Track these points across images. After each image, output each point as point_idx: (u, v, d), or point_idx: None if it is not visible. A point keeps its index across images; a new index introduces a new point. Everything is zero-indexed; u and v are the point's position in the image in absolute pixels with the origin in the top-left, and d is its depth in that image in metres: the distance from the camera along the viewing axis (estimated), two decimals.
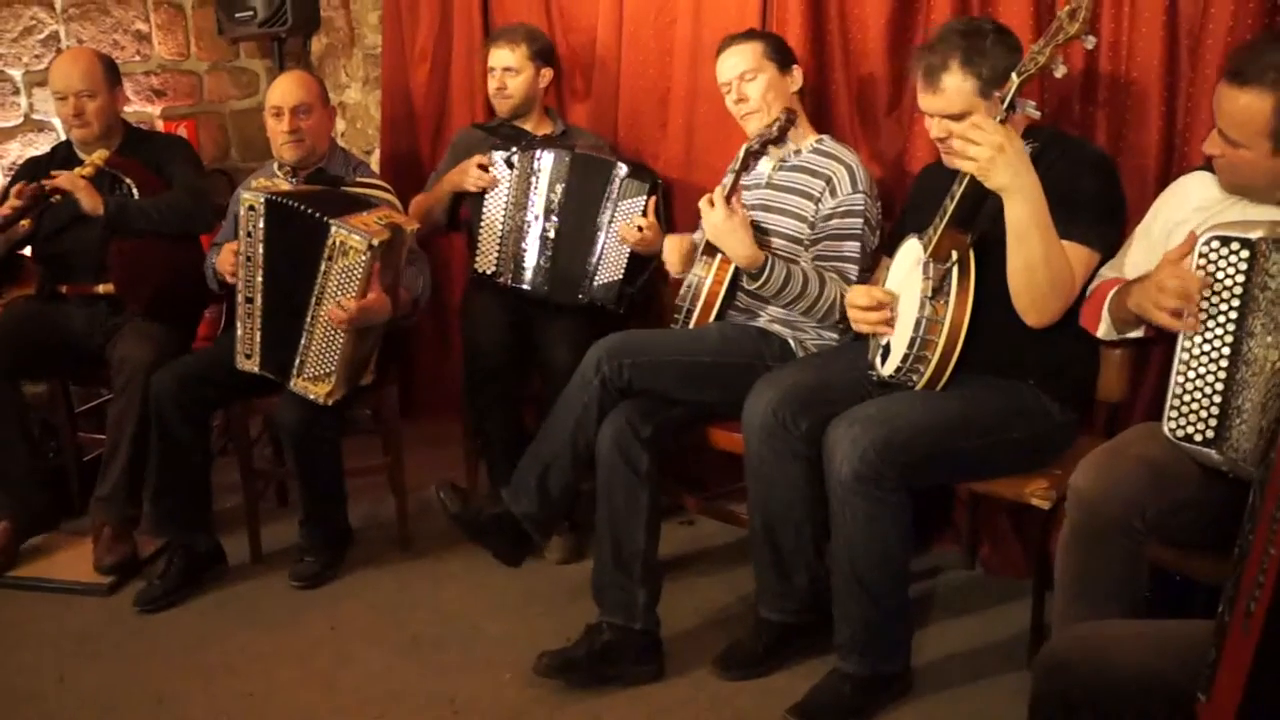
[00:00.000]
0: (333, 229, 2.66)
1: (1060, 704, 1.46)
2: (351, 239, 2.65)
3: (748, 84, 2.69)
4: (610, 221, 3.08)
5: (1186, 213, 2.05)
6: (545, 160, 3.11)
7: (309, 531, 3.00)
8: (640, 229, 2.97)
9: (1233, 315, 1.75)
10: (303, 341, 2.74)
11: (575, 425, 2.57)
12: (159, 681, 2.52)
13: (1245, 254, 1.74)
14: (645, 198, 3.06)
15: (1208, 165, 2.05)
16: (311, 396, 2.77)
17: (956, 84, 2.21)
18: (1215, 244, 1.77)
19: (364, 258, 2.65)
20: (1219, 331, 1.77)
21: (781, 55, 2.72)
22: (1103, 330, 2.09)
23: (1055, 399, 2.26)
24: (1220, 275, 1.76)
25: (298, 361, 2.76)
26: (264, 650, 2.64)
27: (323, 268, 2.69)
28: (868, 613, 2.24)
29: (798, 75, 2.74)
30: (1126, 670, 1.42)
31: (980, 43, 2.20)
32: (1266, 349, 1.71)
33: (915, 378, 2.22)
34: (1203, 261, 1.78)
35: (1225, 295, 1.76)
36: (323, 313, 2.71)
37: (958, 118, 2.22)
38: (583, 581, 2.62)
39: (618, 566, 2.47)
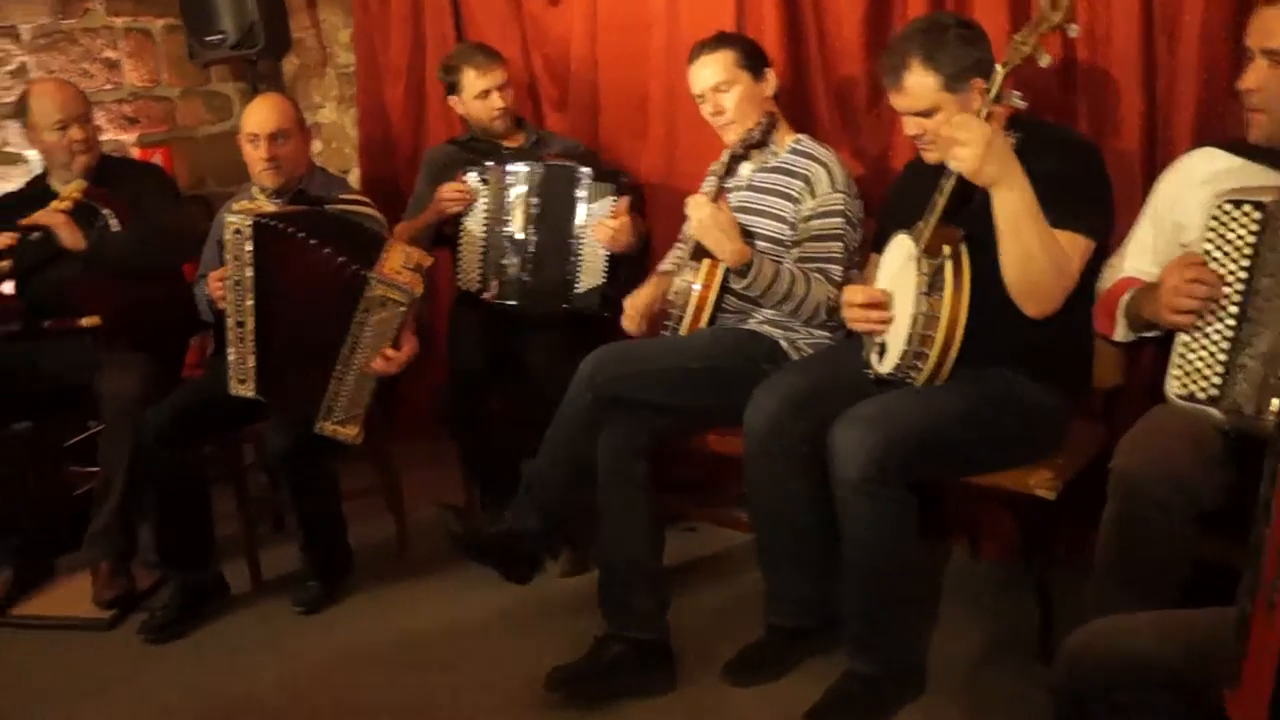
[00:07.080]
0: (372, 282, 2.65)
1: (1073, 698, 1.49)
2: (392, 294, 2.66)
3: (723, 95, 2.66)
4: (584, 227, 3.08)
5: (1193, 186, 2.06)
6: (519, 173, 3.11)
7: (309, 556, 2.97)
8: (611, 228, 2.97)
9: (1242, 275, 1.79)
10: (331, 388, 2.73)
11: (571, 440, 2.57)
12: (165, 715, 2.50)
13: (1257, 215, 1.79)
14: (614, 198, 3.05)
15: (1211, 142, 2.09)
16: (342, 439, 2.77)
17: (918, 80, 2.23)
18: (1228, 206, 1.82)
19: (402, 309, 2.68)
20: (1227, 291, 1.80)
21: (754, 61, 2.69)
22: (1120, 334, 2.11)
23: (1051, 387, 2.27)
24: (1231, 236, 1.80)
25: (325, 407, 2.74)
26: (269, 677, 2.62)
27: (358, 318, 2.68)
28: (876, 611, 2.24)
29: (771, 79, 2.72)
30: (1131, 659, 1.44)
31: (940, 37, 2.22)
32: (1275, 308, 1.73)
33: (914, 374, 2.22)
34: (1215, 224, 1.82)
35: (1235, 255, 1.80)
36: (357, 361, 2.71)
37: (926, 114, 2.25)
38: (588, 594, 2.61)
39: (622, 577, 2.47)
